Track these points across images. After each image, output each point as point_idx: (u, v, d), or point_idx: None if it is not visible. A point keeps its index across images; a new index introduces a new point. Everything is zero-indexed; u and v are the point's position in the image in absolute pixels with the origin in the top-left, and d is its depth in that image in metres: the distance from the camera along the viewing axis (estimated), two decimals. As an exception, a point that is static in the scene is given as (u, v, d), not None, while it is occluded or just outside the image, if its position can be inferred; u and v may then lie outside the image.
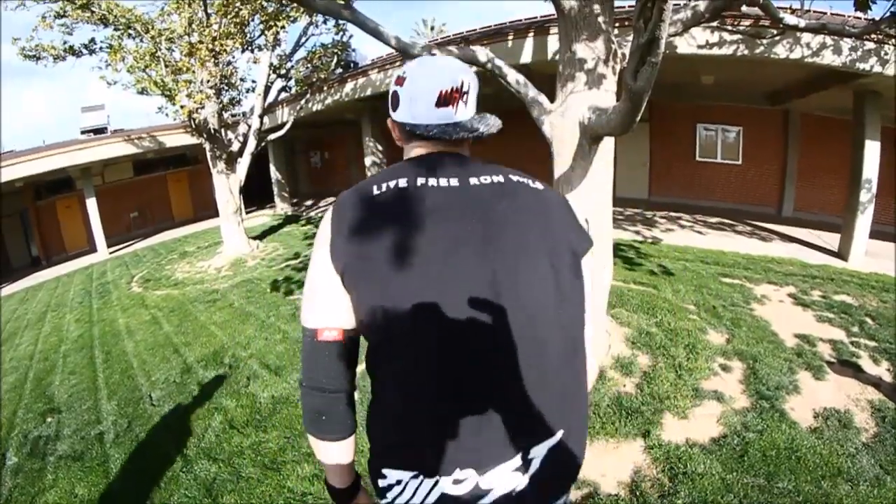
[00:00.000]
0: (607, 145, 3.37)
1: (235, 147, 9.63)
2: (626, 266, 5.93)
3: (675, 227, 8.53)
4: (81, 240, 16.20)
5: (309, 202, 19.55)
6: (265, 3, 7.69)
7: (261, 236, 11.73)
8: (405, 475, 0.86)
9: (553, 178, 3.56)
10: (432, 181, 0.89)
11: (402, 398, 0.86)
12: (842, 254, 6.34)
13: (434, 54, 3.37)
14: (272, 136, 10.81)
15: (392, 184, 0.88)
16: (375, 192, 0.88)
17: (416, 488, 0.85)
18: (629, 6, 6.09)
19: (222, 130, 9.38)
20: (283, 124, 11.32)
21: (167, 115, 8.49)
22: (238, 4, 7.19)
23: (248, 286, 7.10)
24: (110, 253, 14.48)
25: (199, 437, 3.31)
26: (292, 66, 10.28)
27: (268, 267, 8.20)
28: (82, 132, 15.23)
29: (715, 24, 5.36)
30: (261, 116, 9.59)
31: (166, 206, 19.40)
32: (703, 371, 3.38)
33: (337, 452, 0.96)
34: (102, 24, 7.84)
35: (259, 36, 8.71)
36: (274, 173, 17.46)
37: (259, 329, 5.19)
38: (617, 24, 3.31)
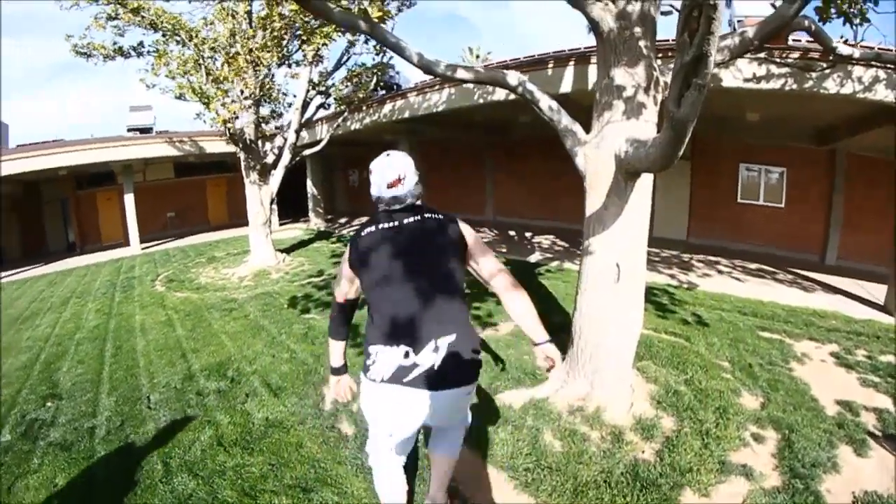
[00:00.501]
0: (645, 182, 3.11)
1: (270, 159, 9.72)
2: (659, 313, 5.55)
3: (712, 272, 8.08)
4: (117, 232, 16.68)
5: (343, 220, 19.65)
6: (296, 20, 7.71)
7: (289, 249, 11.74)
8: (378, 348, 1.74)
9: (584, 215, 3.31)
10: (384, 225, 1.89)
11: (378, 313, 1.79)
12: (888, 308, 5.81)
13: (458, 70, 3.27)
14: (308, 152, 10.91)
15: (370, 228, 1.90)
16: (364, 232, 1.90)
17: (383, 355, 1.71)
18: (672, 39, 5.85)
19: (259, 142, 9.50)
20: (320, 141, 11.43)
21: (204, 121, 8.62)
22: (275, 19, 7.25)
23: (267, 299, 7.02)
24: (142, 249, 14.83)
25: (185, 449, 3.19)
26: (333, 84, 10.37)
27: (290, 282, 8.13)
28: (128, 130, 15.81)
29: (762, 55, 5.09)
30: (297, 131, 9.65)
31: (203, 209, 19.87)
32: (732, 440, 2.99)
33: (334, 347, 2.11)
34: (152, 29, 8.07)
35: (297, 51, 8.77)
36: (310, 188, 17.68)
37: (268, 345, 5.06)
38: (660, 56, 3.08)
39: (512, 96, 6.61)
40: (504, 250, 10.31)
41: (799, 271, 8.18)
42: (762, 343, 4.68)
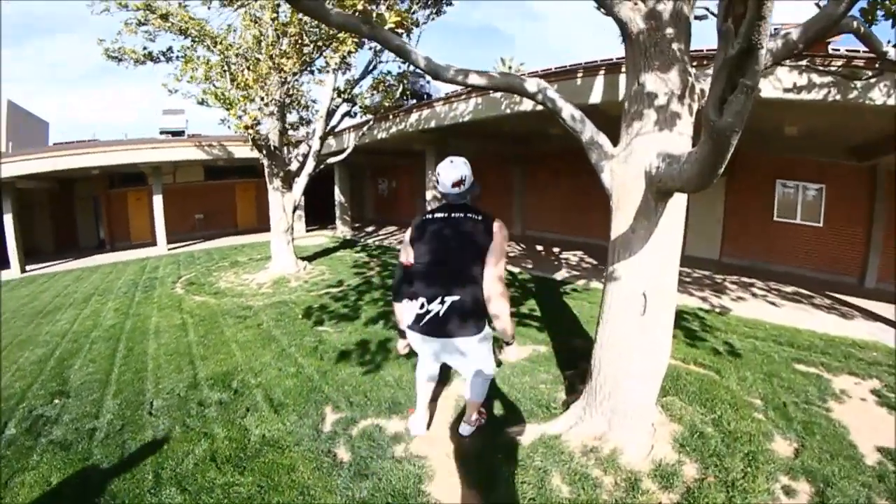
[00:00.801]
0: (678, 202, 2.81)
1: (294, 166, 9.69)
2: (688, 340, 5.17)
3: (746, 294, 7.65)
4: (146, 232, 17.03)
5: (370, 228, 19.61)
6: (308, 28, 7.61)
7: (312, 257, 11.68)
8: (409, 304, 2.47)
9: (610, 237, 3.01)
10: (438, 215, 2.52)
11: (413, 278, 2.47)
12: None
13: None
14: (332, 160, 10.88)
15: (428, 216, 2.55)
16: (424, 217, 2.58)
17: (410, 308, 2.44)
18: (708, 49, 5.54)
19: (284, 148, 9.49)
20: (345, 149, 11.39)
21: (229, 127, 8.65)
22: (294, 24, 7.15)
23: (282, 308, 6.91)
24: (169, 249, 15.08)
25: (178, 461, 3.08)
26: (359, 93, 10.28)
27: (307, 291, 8.01)
28: (161, 133, 16.18)
29: (804, 63, 4.72)
30: (321, 139, 9.58)
31: (231, 213, 20.14)
32: (760, 493, 2.63)
33: (398, 309, 2.62)
34: (182, 35, 8.14)
35: (318, 57, 8.66)
36: (338, 196, 17.72)
37: (276, 357, 4.92)
38: (694, 63, 2.79)
39: (540, 106, 6.41)
40: (530, 266, 10.01)
41: (837, 295, 7.73)
42: (798, 378, 4.30)
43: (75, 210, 18.33)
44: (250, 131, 8.13)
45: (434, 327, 2.39)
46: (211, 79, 7.92)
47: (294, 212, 9.84)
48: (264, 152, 9.14)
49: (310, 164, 9.57)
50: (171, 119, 16.04)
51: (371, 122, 11.09)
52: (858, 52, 4.70)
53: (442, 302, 2.32)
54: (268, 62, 7.30)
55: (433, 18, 9.35)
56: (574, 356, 4.59)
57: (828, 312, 6.69)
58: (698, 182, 2.00)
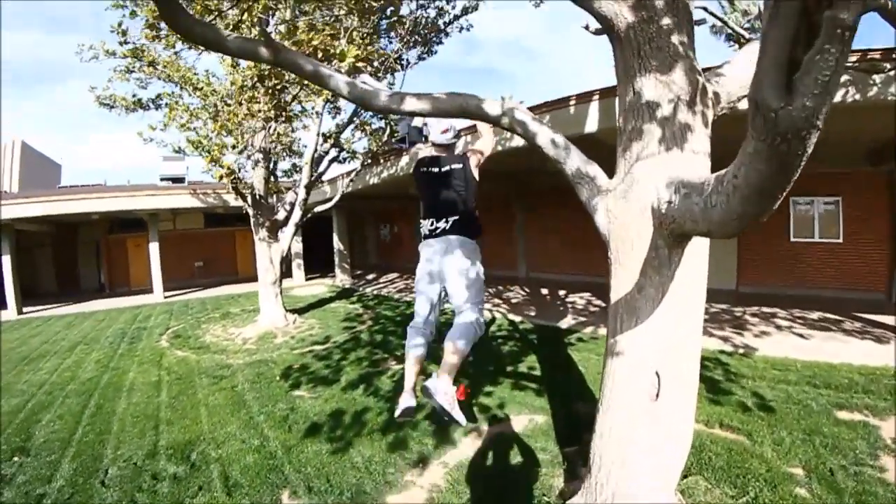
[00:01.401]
0: (699, 247, 2.24)
1: (281, 215, 9.32)
2: (710, 395, 4.46)
3: (770, 328, 7.01)
4: (145, 278, 16.94)
5: (371, 276, 19.16)
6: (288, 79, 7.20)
7: (305, 309, 11.20)
8: (423, 222, 2.91)
9: (609, 298, 2.42)
10: (434, 169, 2.95)
11: (423, 206, 2.98)
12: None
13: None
14: (320, 208, 10.51)
15: (424, 168, 3.00)
16: (421, 156, 3.15)
17: (424, 224, 2.88)
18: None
19: (271, 197, 9.17)
20: (332, 198, 11.06)
21: (212, 176, 8.35)
22: (270, 79, 6.74)
23: (261, 367, 6.41)
24: (165, 297, 14.80)
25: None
26: (347, 137, 9.93)
27: (291, 348, 7.48)
28: (161, 179, 16.13)
29: None
30: (307, 187, 9.14)
31: (231, 260, 19.93)
32: None
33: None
34: (172, 82, 7.94)
35: (293, 103, 8.11)
36: (336, 243, 17.33)
37: (242, 427, 4.40)
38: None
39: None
40: (533, 313, 9.23)
41: (866, 315, 7.20)
42: (842, 431, 3.66)
43: (78, 253, 18.29)
44: (226, 180, 7.79)
45: (441, 232, 2.80)
46: (189, 126, 7.63)
47: (282, 263, 9.38)
48: (249, 201, 8.82)
49: (296, 214, 9.17)
50: (171, 165, 16.06)
51: (359, 168, 10.73)
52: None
53: (447, 220, 2.78)
54: (243, 108, 6.95)
55: (424, 58, 9.15)
56: (577, 426, 3.92)
57: (861, 338, 6.21)
58: (738, 222, 1.39)
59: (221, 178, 7.65)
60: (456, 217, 2.80)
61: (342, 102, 9.41)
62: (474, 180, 2.89)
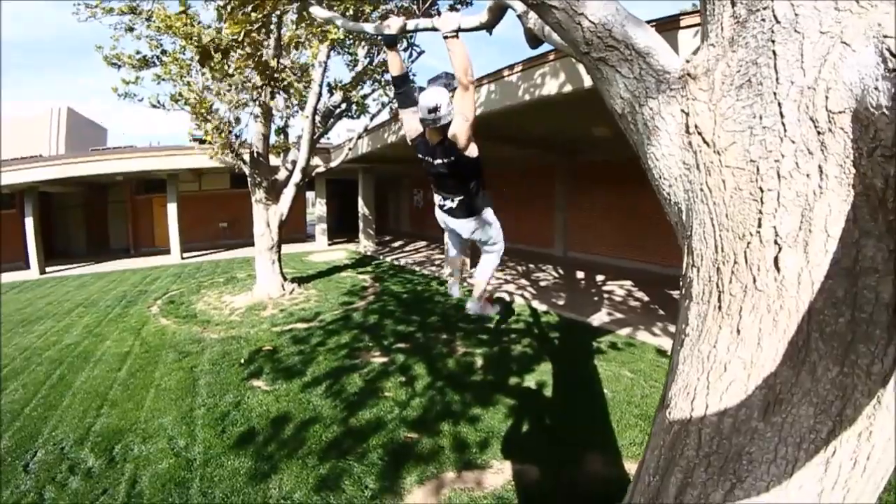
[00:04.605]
0: None
1: (282, 175, 8.91)
2: None
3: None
4: (169, 239, 17.20)
5: (398, 243, 18.45)
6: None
7: (311, 278, 10.78)
8: (436, 195, 3.09)
9: (678, 319, 1.24)
10: (428, 158, 2.88)
11: (433, 188, 3.10)
12: None
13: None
14: (319, 170, 10.05)
15: (420, 138, 2.89)
16: (418, 155, 2.96)
17: (437, 197, 3.08)
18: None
19: (280, 155, 8.76)
20: (346, 156, 10.65)
21: (202, 134, 8.12)
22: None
23: (232, 345, 6.04)
24: (183, 258, 14.97)
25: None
26: (358, 86, 9.10)
27: (273, 324, 6.97)
28: (191, 140, 16.15)
29: None
30: (309, 143, 8.48)
31: (255, 221, 20.01)
32: None
33: (392, 58, 2.76)
34: (171, 33, 7.69)
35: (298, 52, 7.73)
36: (361, 207, 16.77)
37: (178, 420, 4.07)
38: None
39: (566, 89, 5.30)
40: (561, 302, 7.98)
41: None
42: None
43: (108, 214, 18.75)
44: (216, 136, 7.53)
45: (449, 212, 3.05)
46: (182, 78, 7.30)
47: (280, 227, 8.92)
48: (246, 158, 8.45)
49: (297, 175, 8.66)
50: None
51: (369, 125, 10.16)
52: None
53: (452, 200, 2.97)
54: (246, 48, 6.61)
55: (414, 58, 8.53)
56: (578, 499, 2.92)
57: None
58: None
59: (207, 134, 7.43)
60: (461, 197, 3.02)
61: (360, 50, 8.76)
62: (472, 161, 2.86)
